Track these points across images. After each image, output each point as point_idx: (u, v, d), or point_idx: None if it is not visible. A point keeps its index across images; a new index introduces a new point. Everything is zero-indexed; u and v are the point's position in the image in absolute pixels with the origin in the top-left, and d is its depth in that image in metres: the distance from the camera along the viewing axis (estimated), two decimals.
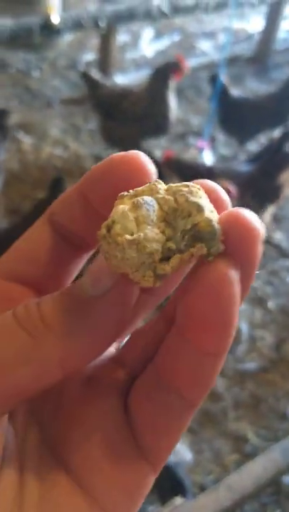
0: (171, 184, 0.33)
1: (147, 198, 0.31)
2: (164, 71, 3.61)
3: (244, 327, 3.08)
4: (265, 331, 3.08)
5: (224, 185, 3.10)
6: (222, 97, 3.86)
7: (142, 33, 5.72)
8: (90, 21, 3.98)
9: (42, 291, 0.36)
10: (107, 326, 0.31)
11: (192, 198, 0.31)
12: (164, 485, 1.92)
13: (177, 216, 0.31)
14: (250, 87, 5.21)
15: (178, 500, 1.64)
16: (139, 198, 0.31)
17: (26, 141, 3.94)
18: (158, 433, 0.34)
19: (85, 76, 3.88)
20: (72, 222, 0.36)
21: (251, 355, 2.95)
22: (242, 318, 3.12)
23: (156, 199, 0.32)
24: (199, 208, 0.31)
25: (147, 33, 5.75)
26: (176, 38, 5.79)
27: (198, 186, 0.33)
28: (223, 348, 0.33)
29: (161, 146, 4.22)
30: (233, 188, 2.88)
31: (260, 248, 0.33)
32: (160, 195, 0.32)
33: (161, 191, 0.32)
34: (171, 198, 0.32)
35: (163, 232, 0.31)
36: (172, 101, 3.74)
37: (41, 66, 5.03)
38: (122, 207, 0.31)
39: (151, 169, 0.34)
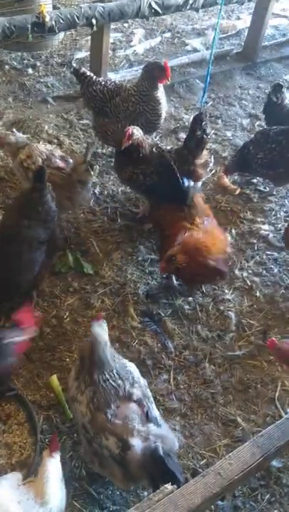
0: None
1: None
2: (151, 72, 3.53)
3: (233, 315, 3.05)
4: (253, 319, 3.06)
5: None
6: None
7: (134, 31, 5.61)
8: (82, 19, 3.88)
9: None
10: None
11: None
12: (155, 475, 1.90)
13: None
14: (239, 83, 5.13)
15: (168, 487, 1.62)
16: None
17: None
18: None
19: (78, 73, 3.80)
20: None
21: (239, 342, 2.93)
22: (231, 307, 3.10)
23: None
24: None
25: (138, 31, 5.64)
26: (167, 35, 5.69)
27: None
28: None
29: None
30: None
31: None
32: None
33: None
34: None
35: None
36: (162, 98, 3.67)
37: (35, 64, 4.93)
38: None
39: None
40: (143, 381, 2.22)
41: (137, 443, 1.96)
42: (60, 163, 3.22)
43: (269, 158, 3.64)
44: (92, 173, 3.17)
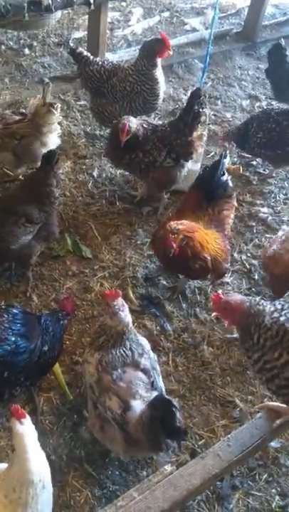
0: None
1: None
2: (150, 48, 3.44)
3: None
4: None
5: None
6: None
7: (132, 10, 5.44)
8: None
9: None
10: None
11: None
12: (157, 429, 1.85)
13: None
14: (239, 63, 5.01)
15: (168, 468, 1.61)
16: None
17: None
18: None
19: (75, 53, 3.69)
20: None
21: None
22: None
23: None
24: None
25: (137, 10, 5.47)
26: (166, 14, 5.52)
27: None
28: None
29: None
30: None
31: None
32: None
33: None
34: None
35: None
36: (160, 77, 3.58)
37: (32, 44, 4.79)
38: None
39: None
40: (153, 355, 2.25)
41: (137, 404, 1.98)
42: (18, 116, 3.32)
43: (268, 138, 3.56)
44: (54, 111, 3.20)
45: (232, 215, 2.95)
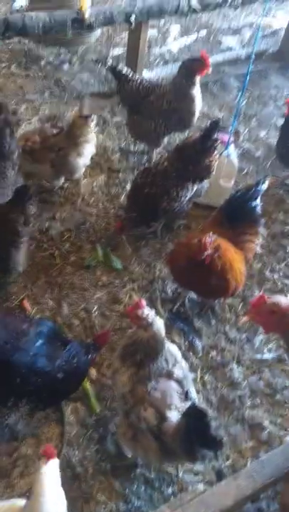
0: None
1: None
2: (190, 67, 3.49)
3: None
4: None
5: None
6: None
7: (169, 29, 5.55)
8: (121, 16, 3.86)
9: None
10: None
11: None
12: (192, 438, 1.81)
13: None
14: (274, 83, 5.02)
15: (200, 487, 1.59)
16: None
17: None
18: None
19: (113, 70, 3.77)
20: None
21: (269, 345, 2.87)
22: None
23: None
24: None
25: (174, 28, 5.57)
26: (203, 33, 5.61)
27: None
28: None
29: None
30: None
31: None
32: None
33: None
34: None
35: None
36: (197, 96, 3.61)
37: (71, 60, 4.93)
38: None
39: None
40: (185, 364, 2.22)
41: (173, 415, 1.96)
42: (55, 129, 3.39)
43: None
44: (89, 123, 3.28)
45: (257, 241, 2.86)
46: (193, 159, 3.14)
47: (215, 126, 3.10)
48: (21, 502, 1.78)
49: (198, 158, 3.14)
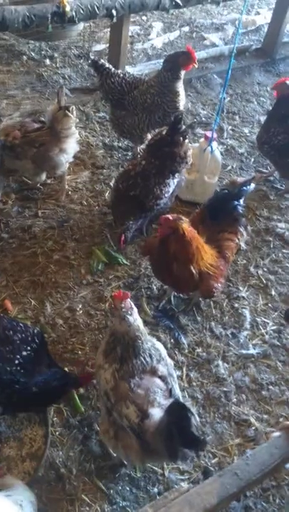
0: None
1: None
2: (176, 60, 3.45)
3: (247, 313, 2.99)
4: (268, 318, 2.99)
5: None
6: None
7: (152, 25, 5.52)
8: (102, 10, 3.81)
9: None
10: None
11: None
12: (173, 435, 1.78)
13: None
14: (258, 79, 5.03)
15: (184, 485, 1.56)
16: None
17: None
18: None
19: (97, 65, 3.73)
20: None
21: (254, 341, 2.87)
22: (245, 305, 3.04)
23: None
24: None
25: (157, 24, 5.54)
26: (186, 29, 5.59)
27: None
28: None
29: None
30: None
31: None
32: None
33: None
34: None
35: None
36: (181, 90, 3.59)
37: (53, 55, 4.86)
38: None
39: None
40: (169, 361, 2.18)
41: (155, 412, 1.92)
42: (37, 124, 3.34)
43: (285, 143, 3.54)
44: (70, 115, 3.21)
45: (236, 240, 2.84)
46: (168, 153, 3.09)
47: (179, 119, 3.07)
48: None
49: (173, 151, 3.10)
